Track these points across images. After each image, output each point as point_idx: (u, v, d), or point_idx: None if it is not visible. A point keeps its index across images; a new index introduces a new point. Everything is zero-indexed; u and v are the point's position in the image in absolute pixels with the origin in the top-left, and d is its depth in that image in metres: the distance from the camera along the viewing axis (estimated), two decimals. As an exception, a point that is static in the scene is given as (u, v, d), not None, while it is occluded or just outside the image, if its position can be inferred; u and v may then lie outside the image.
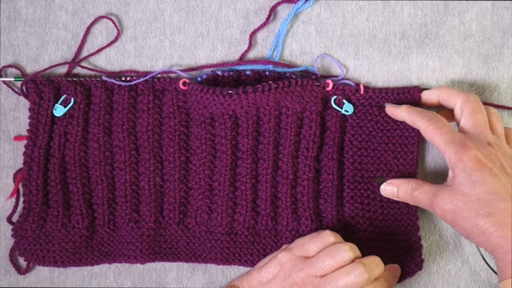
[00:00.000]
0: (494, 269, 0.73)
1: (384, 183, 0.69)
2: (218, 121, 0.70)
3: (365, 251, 0.67)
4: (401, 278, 0.70)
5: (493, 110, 0.66)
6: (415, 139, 0.71)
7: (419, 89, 0.70)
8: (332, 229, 0.70)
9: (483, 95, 0.73)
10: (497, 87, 0.73)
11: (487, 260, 0.72)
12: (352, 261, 0.63)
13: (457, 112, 0.66)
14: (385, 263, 0.69)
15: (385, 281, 0.65)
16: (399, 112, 0.67)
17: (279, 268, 0.65)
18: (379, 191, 0.70)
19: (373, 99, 0.70)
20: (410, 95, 0.70)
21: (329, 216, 0.70)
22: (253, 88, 0.67)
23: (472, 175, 0.59)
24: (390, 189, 0.69)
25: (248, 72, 0.70)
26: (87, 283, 0.72)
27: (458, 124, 0.66)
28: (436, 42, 0.72)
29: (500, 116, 0.72)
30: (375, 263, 0.64)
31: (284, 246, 0.68)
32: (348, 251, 0.63)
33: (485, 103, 0.72)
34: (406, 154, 0.71)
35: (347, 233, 0.70)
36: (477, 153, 0.60)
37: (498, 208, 0.58)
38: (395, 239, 0.71)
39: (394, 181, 0.69)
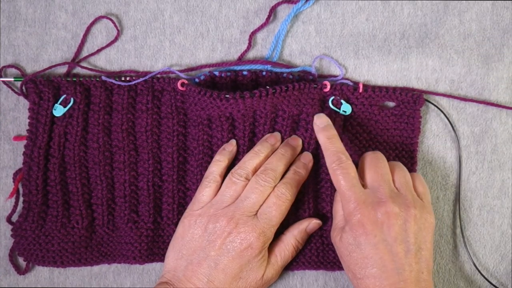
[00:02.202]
0: (489, 278, 0.73)
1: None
2: (215, 123, 0.70)
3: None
4: None
5: (395, 163, 0.67)
6: (416, 139, 0.71)
7: (421, 96, 0.70)
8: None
9: (483, 95, 0.73)
10: (497, 87, 0.73)
11: (481, 271, 0.72)
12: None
13: (359, 167, 0.67)
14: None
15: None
16: (317, 131, 0.68)
17: (188, 229, 0.66)
18: None
19: (372, 98, 0.70)
20: (412, 99, 0.70)
21: (328, 215, 0.71)
22: (250, 93, 0.67)
23: (356, 239, 0.63)
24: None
25: (245, 72, 0.70)
26: (87, 283, 0.72)
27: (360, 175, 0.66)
28: (436, 42, 0.72)
29: (502, 119, 0.72)
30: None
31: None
32: (242, 175, 0.67)
33: (485, 103, 0.72)
34: (407, 153, 0.71)
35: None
36: (364, 219, 0.62)
37: (368, 274, 0.62)
38: None
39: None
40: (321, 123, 0.69)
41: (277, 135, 0.70)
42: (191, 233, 0.66)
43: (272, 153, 0.68)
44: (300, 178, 0.68)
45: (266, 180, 0.66)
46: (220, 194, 0.67)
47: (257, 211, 0.66)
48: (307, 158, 0.70)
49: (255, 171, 0.67)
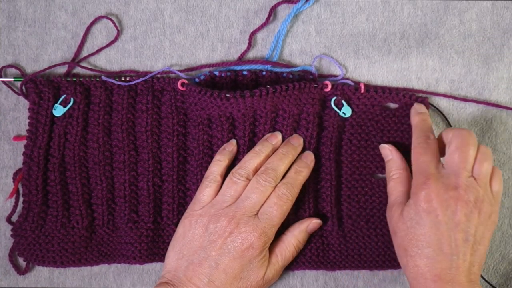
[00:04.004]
0: (489, 280, 0.73)
1: (387, 145, 0.69)
2: (215, 123, 0.70)
3: (363, 247, 0.70)
4: (397, 266, 0.70)
5: (483, 148, 0.65)
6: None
7: (426, 100, 0.70)
8: (332, 228, 0.70)
9: (483, 95, 0.73)
10: (497, 87, 0.73)
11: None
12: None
13: (447, 145, 0.65)
14: (384, 259, 0.70)
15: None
16: (414, 114, 0.69)
17: (189, 231, 0.66)
18: (377, 188, 0.71)
19: (374, 98, 0.70)
20: (415, 102, 0.70)
21: (328, 215, 0.71)
22: (250, 92, 0.67)
23: (419, 214, 0.62)
24: (385, 152, 0.70)
25: (245, 72, 0.70)
26: (87, 283, 0.72)
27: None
28: (436, 42, 0.72)
29: (502, 119, 0.72)
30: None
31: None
32: (242, 175, 0.67)
33: (485, 103, 0.72)
34: (408, 154, 0.70)
35: (345, 230, 0.71)
36: (432, 195, 0.61)
37: (421, 253, 0.61)
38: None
39: (391, 152, 0.69)
40: (420, 109, 0.69)
41: (278, 134, 0.70)
42: (192, 233, 0.66)
43: (273, 153, 0.68)
44: (301, 177, 0.68)
45: (267, 180, 0.66)
46: (220, 194, 0.67)
47: (258, 211, 0.66)
48: (309, 157, 0.70)
49: (256, 171, 0.67)
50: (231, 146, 0.69)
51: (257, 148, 0.69)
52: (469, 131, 0.65)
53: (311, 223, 0.69)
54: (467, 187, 0.62)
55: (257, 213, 0.66)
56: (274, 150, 0.69)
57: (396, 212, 0.64)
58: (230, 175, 0.67)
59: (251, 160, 0.68)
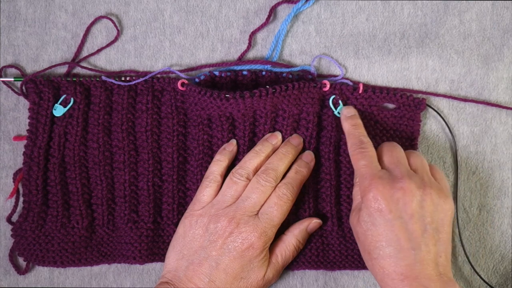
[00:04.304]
0: (485, 278, 0.73)
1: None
2: (215, 123, 0.70)
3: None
4: None
5: (409, 150, 0.67)
6: (415, 141, 0.71)
7: (424, 101, 0.70)
8: (332, 228, 0.70)
9: (483, 95, 0.73)
10: (497, 87, 0.73)
11: (477, 270, 0.72)
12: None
13: (380, 155, 0.67)
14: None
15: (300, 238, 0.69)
16: (343, 119, 0.69)
17: (190, 230, 0.66)
18: None
19: (372, 98, 0.70)
20: (414, 103, 0.70)
21: (328, 215, 0.71)
22: (250, 93, 0.67)
23: (372, 215, 0.62)
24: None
25: (245, 72, 0.70)
26: (87, 283, 0.72)
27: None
28: (436, 42, 0.73)
29: (502, 119, 0.72)
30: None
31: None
32: (243, 175, 0.67)
33: (485, 103, 0.72)
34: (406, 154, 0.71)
35: (345, 230, 0.71)
36: (379, 194, 0.62)
37: (383, 254, 0.61)
38: None
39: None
40: (348, 113, 0.69)
41: (278, 134, 0.70)
42: (192, 233, 0.66)
43: (273, 153, 0.69)
44: (301, 177, 0.68)
45: (267, 180, 0.66)
46: (221, 194, 0.67)
47: (258, 211, 0.66)
48: (309, 157, 0.70)
49: (256, 170, 0.67)
50: (231, 146, 0.69)
51: (257, 148, 0.69)
52: (390, 142, 0.67)
53: (311, 223, 0.70)
54: (410, 177, 0.62)
55: (257, 213, 0.66)
56: (274, 150, 0.69)
57: (355, 218, 0.64)
58: (230, 175, 0.67)
59: (251, 160, 0.68)
